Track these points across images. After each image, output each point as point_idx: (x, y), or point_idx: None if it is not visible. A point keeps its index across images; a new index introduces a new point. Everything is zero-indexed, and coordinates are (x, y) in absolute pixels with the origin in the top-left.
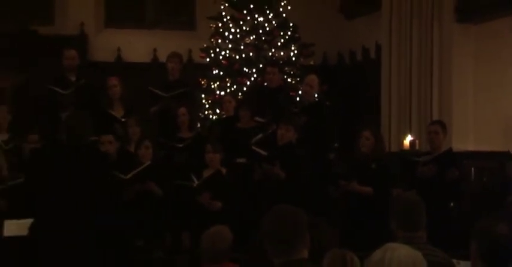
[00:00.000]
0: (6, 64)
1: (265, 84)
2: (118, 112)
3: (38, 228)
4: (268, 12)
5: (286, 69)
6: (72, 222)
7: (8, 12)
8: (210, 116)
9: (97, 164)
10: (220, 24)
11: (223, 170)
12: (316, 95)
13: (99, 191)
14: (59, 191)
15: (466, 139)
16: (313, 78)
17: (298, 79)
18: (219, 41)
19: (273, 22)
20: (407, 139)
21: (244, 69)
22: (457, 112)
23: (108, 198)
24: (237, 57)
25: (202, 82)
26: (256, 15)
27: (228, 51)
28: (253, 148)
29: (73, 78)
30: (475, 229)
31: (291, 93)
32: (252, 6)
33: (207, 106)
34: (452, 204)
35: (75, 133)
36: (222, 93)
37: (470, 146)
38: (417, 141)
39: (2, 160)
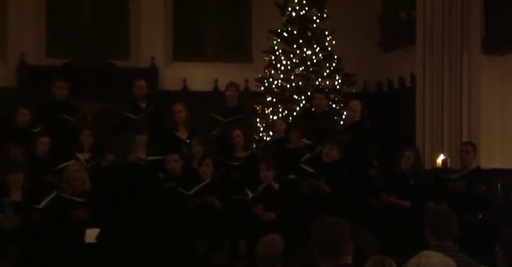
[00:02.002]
0: (90, 93)
1: (313, 109)
2: (183, 134)
3: (100, 236)
4: (315, 46)
5: (331, 96)
6: (124, 230)
7: (92, 48)
8: (264, 137)
9: (143, 178)
10: (273, 57)
11: (276, 185)
12: (358, 118)
13: (146, 202)
14: (111, 202)
15: (493, 157)
16: (356, 104)
17: (341, 105)
18: (272, 71)
19: (320, 55)
20: (440, 158)
21: (294, 96)
22: (485, 133)
23: (152, 207)
24: (288, 85)
25: (257, 108)
26: (305, 49)
27: (280, 81)
28: (302, 166)
29: (143, 105)
30: (501, 238)
31: (335, 117)
32: (301, 41)
33: (261, 129)
34: (480, 216)
35: (120, 153)
36: (275, 117)
37: (497, 164)
38: (449, 160)
39: (86, 177)
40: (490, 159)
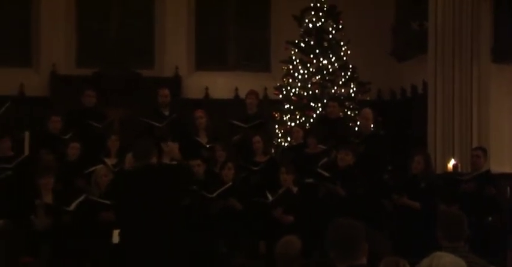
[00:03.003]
0: (117, 101)
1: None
2: (203, 140)
3: (121, 237)
4: (331, 56)
5: (347, 103)
6: (147, 231)
7: (119, 59)
8: (282, 143)
9: (164, 180)
10: (291, 67)
11: (295, 189)
12: (372, 125)
13: (168, 204)
14: (132, 205)
15: (502, 162)
16: (368, 112)
17: (356, 112)
18: (290, 80)
19: (335, 64)
20: (451, 163)
21: (311, 103)
22: (494, 138)
23: (175, 208)
24: (305, 93)
25: (276, 115)
26: (321, 59)
27: (297, 89)
28: (318, 170)
29: (167, 113)
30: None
31: (350, 124)
32: (317, 51)
33: (279, 135)
34: (490, 218)
35: (141, 156)
36: (293, 124)
37: (506, 169)
38: (459, 164)
39: None
40: (500, 164)
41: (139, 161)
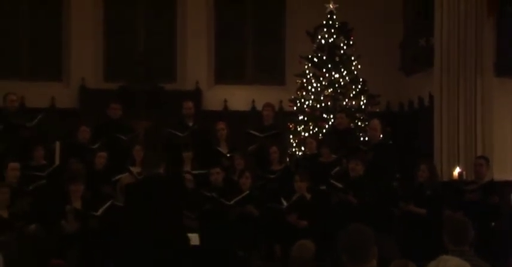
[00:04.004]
0: (141, 113)
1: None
2: (224, 149)
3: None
4: (342, 70)
5: (357, 115)
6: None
7: (143, 74)
8: (296, 152)
9: (167, 190)
10: (304, 80)
11: (308, 196)
12: (380, 136)
13: (171, 212)
14: (138, 211)
15: (505, 170)
16: (376, 123)
17: (366, 123)
18: (304, 93)
19: (347, 78)
20: (456, 171)
21: (324, 115)
22: (497, 148)
23: (178, 216)
24: (318, 106)
25: (290, 126)
26: (333, 73)
27: (310, 101)
28: (332, 181)
29: (190, 124)
30: None
31: (360, 134)
32: (329, 65)
33: (294, 145)
34: (493, 224)
35: (148, 167)
36: (306, 134)
37: (509, 176)
38: (464, 172)
39: None
40: (503, 171)
41: (148, 171)
